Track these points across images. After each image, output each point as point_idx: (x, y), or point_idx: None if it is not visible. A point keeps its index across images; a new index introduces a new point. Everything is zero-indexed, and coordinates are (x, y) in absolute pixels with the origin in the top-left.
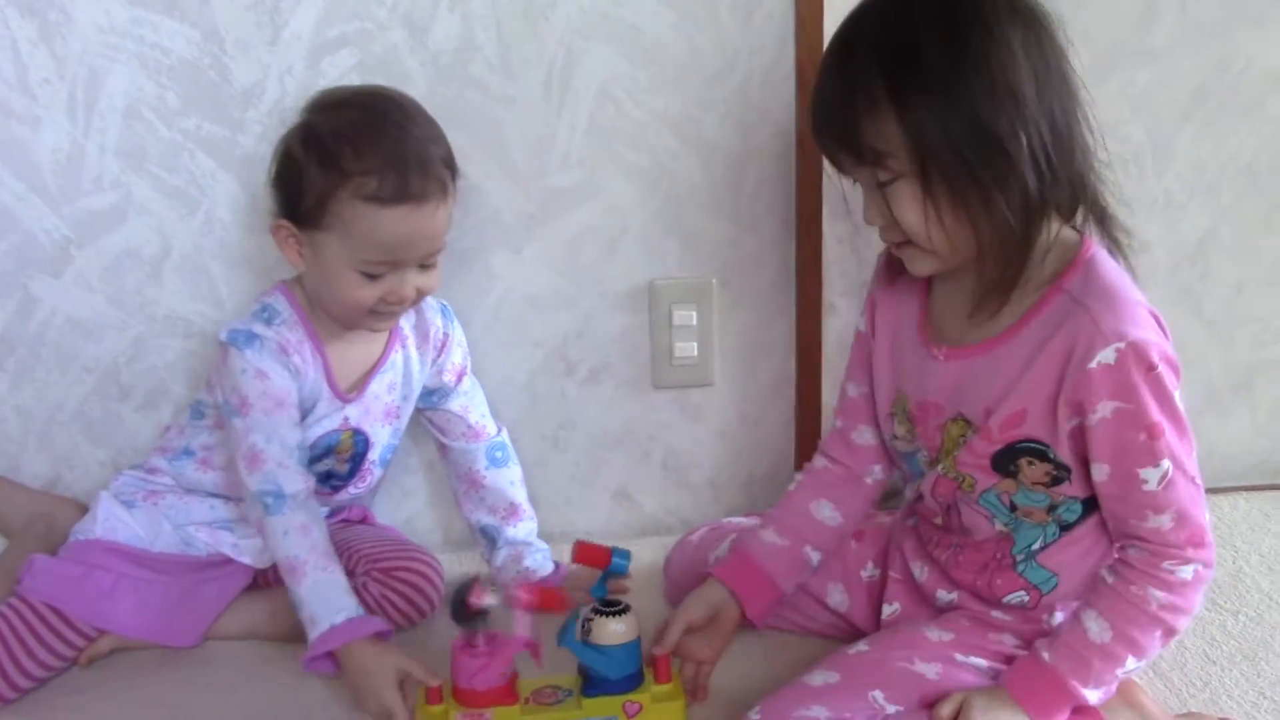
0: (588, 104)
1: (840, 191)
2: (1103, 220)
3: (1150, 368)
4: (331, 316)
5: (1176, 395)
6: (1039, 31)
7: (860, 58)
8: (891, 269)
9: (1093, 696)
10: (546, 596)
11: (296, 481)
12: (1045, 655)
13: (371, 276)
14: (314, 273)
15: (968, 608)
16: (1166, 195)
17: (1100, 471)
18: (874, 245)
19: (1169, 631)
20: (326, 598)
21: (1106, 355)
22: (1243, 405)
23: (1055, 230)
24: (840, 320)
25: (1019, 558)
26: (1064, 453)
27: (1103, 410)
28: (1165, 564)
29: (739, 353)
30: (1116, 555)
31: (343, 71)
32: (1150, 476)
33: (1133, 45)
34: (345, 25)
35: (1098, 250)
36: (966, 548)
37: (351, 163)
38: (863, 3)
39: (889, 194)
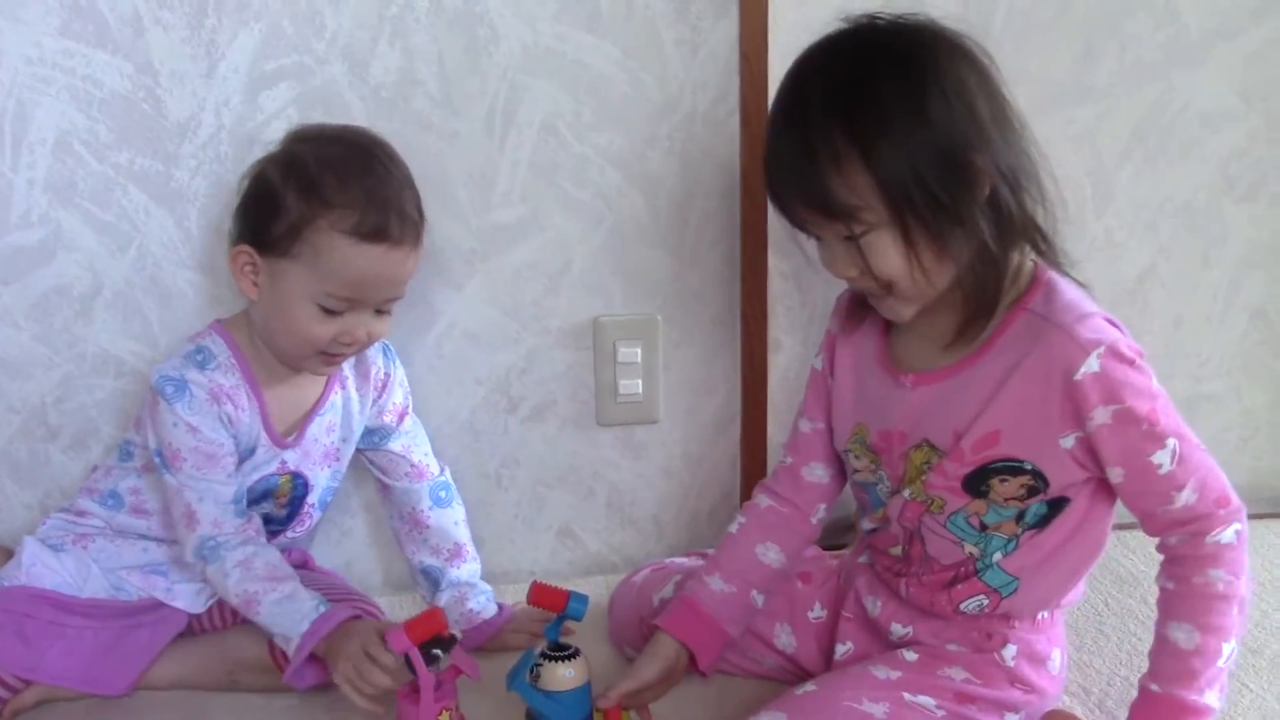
0: (531, 139)
1: (789, 231)
2: (1050, 248)
3: (1130, 362)
4: (277, 353)
5: (1154, 376)
6: (981, 67)
7: (814, 111)
8: (854, 309)
9: (1213, 699)
10: (422, 629)
11: (232, 536)
12: (1153, 687)
13: (329, 312)
14: (269, 304)
15: (922, 641)
16: (1106, 233)
17: (1116, 474)
18: (819, 282)
19: (1242, 603)
20: (285, 613)
21: (1090, 364)
22: None
23: (1017, 260)
24: (785, 356)
25: (981, 567)
26: (1055, 468)
27: (1100, 417)
28: (1208, 537)
29: (684, 390)
30: (1163, 559)
31: (281, 105)
32: (1162, 459)
33: (1072, 84)
34: (283, 58)
35: (1052, 273)
36: (928, 573)
37: (335, 194)
38: (804, 56)
39: (864, 245)
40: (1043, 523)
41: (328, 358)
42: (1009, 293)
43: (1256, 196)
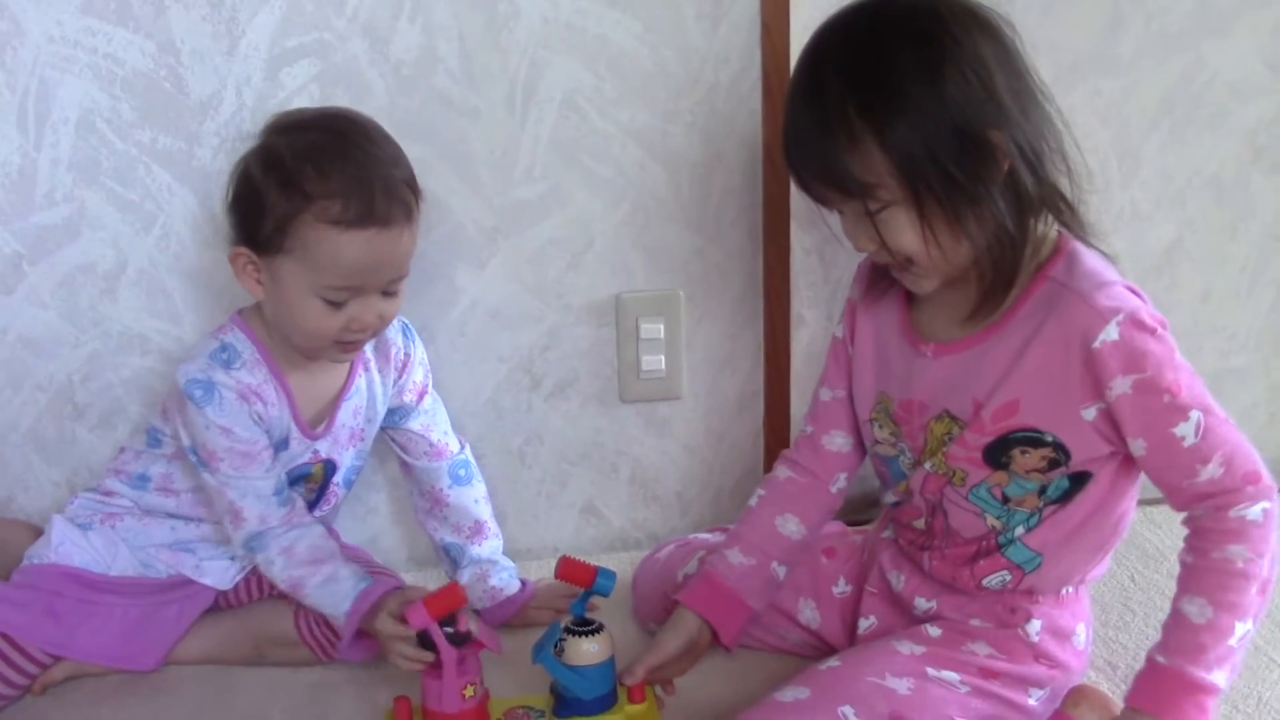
0: (552, 115)
1: (812, 205)
2: (1074, 218)
3: (1151, 331)
4: (294, 346)
5: (1177, 348)
6: (1003, 41)
7: (830, 88)
8: (875, 279)
9: (1220, 679)
10: (440, 605)
11: (278, 526)
12: (1159, 658)
13: (334, 304)
14: (274, 302)
15: (945, 616)
16: (1133, 205)
17: (1138, 447)
18: (842, 255)
19: (1263, 584)
20: (331, 594)
21: (1109, 332)
22: None
23: (1040, 231)
24: (809, 332)
25: (1003, 543)
26: (1076, 439)
27: (1120, 386)
28: (1231, 512)
29: (707, 366)
30: (1188, 532)
31: (302, 82)
32: (1186, 432)
33: (1099, 55)
34: (304, 35)
35: (1076, 242)
36: (951, 546)
37: (314, 185)
38: (821, 30)
39: (880, 221)
40: (1065, 498)
41: (344, 345)
42: (1030, 261)
43: None
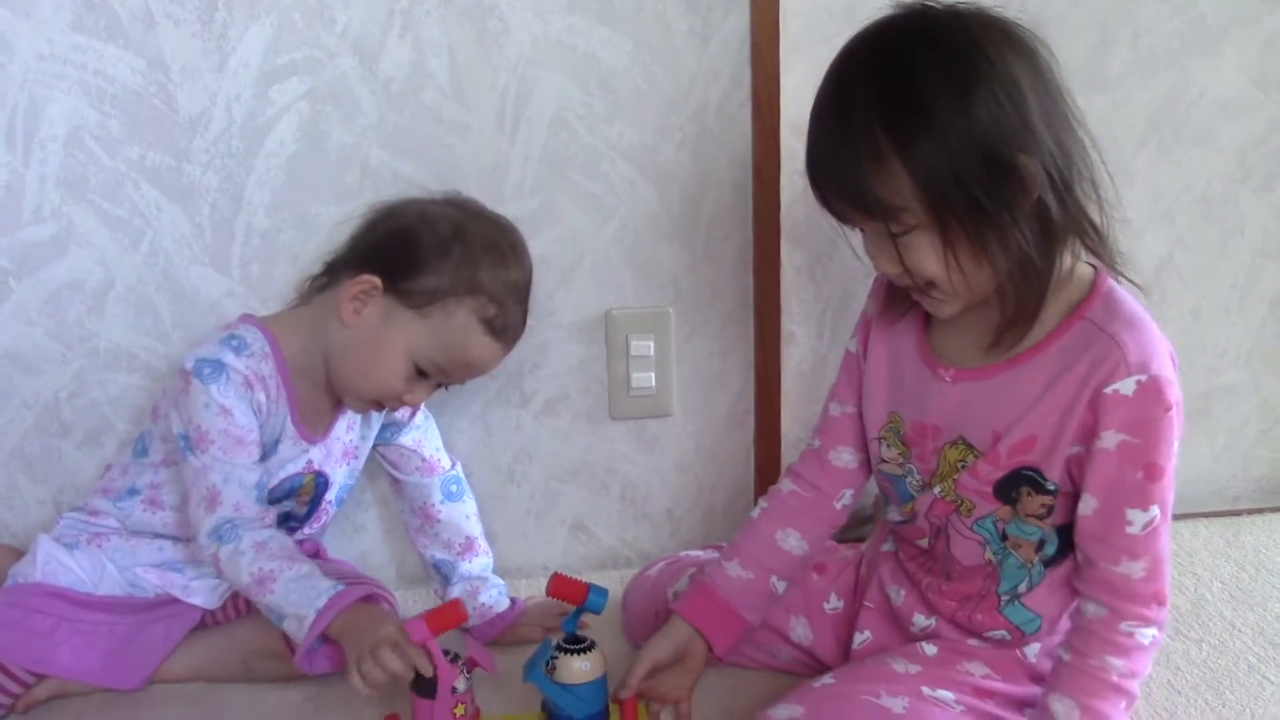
0: (542, 132)
1: (833, 223)
2: (1104, 247)
3: (1167, 408)
4: (336, 379)
5: (1177, 445)
6: (1037, 62)
7: (857, 106)
8: (893, 297)
9: None
10: (442, 621)
11: (252, 520)
12: None
13: (421, 374)
14: (363, 338)
15: (943, 635)
16: (1123, 222)
17: (1087, 505)
18: (833, 273)
19: (1130, 702)
20: (303, 590)
21: (1126, 385)
22: (1201, 432)
23: (1070, 262)
24: (799, 349)
25: (1004, 598)
26: (1055, 474)
27: (1107, 440)
28: (1124, 624)
29: (697, 383)
30: (1072, 628)
31: (291, 99)
32: (1136, 519)
33: (1088, 73)
34: (294, 52)
35: (1114, 283)
36: (952, 578)
37: (489, 281)
38: (851, 44)
39: (903, 244)
40: (1059, 557)
41: (376, 406)
42: (1062, 296)
43: (1274, 186)
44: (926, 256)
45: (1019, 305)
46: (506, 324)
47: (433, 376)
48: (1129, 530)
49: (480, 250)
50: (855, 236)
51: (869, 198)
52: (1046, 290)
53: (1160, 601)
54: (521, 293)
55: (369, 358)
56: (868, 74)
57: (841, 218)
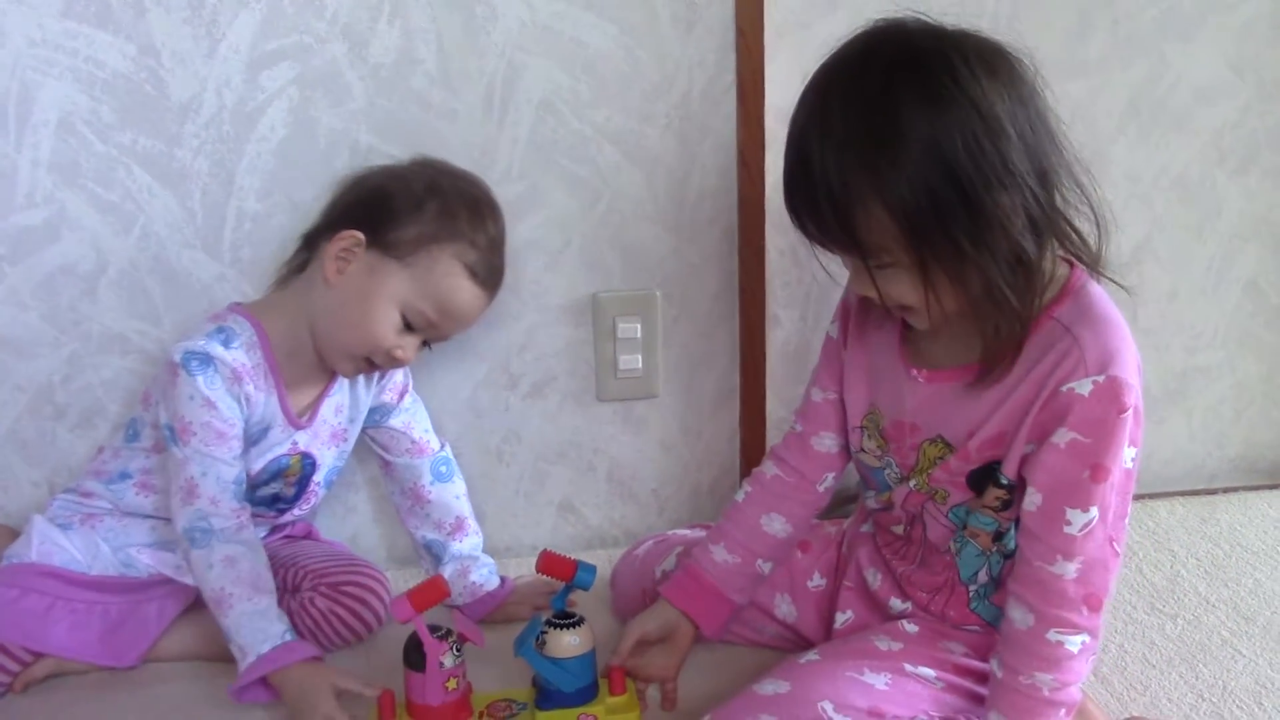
0: (529, 117)
1: (782, 204)
2: (1091, 258)
3: (1121, 410)
4: (321, 342)
5: (1132, 452)
6: (1019, 88)
7: (835, 142)
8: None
9: None
10: (425, 598)
11: (227, 518)
12: None
13: (408, 326)
14: (349, 293)
15: (920, 616)
16: (1103, 204)
17: (1031, 500)
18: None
19: (1069, 706)
20: (254, 628)
21: (1083, 385)
22: (1178, 412)
23: (1050, 265)
24: (784, 332)
25: (972, 593)
26: (1010, 470)
27: (1059, 438)
28: (1050, 633)
29: (683, 365)
30: (1002, 637)
31: (281, 84)
32: (1075, 519)
33: (1066, 58)
34: (284, 38)
35: (1087, 280)
36: (920, 567)
37: (469, 228)
38: (829, 74)
39: (880, 276)
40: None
41: (367, 365)
42: (1038, 299)
43: (1249, 169)
44: (905, 289)
45: (1000, 338)
46: (488, 270)
47: (420, 331)
48: (1066, 530)
49: (457, 200)
50: (826, 255)
51: (848, 236)
52: (1029, 320)
53: (1092, 606)
54: (497, 245)
55: (359, 312)
56: (847, 111)
57: (817, 243)
